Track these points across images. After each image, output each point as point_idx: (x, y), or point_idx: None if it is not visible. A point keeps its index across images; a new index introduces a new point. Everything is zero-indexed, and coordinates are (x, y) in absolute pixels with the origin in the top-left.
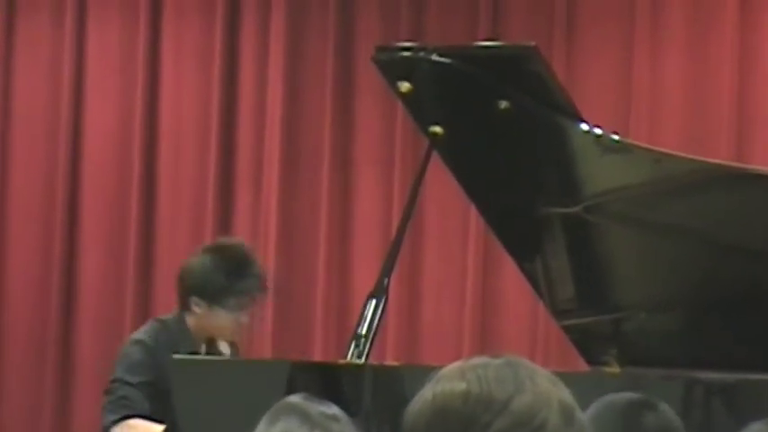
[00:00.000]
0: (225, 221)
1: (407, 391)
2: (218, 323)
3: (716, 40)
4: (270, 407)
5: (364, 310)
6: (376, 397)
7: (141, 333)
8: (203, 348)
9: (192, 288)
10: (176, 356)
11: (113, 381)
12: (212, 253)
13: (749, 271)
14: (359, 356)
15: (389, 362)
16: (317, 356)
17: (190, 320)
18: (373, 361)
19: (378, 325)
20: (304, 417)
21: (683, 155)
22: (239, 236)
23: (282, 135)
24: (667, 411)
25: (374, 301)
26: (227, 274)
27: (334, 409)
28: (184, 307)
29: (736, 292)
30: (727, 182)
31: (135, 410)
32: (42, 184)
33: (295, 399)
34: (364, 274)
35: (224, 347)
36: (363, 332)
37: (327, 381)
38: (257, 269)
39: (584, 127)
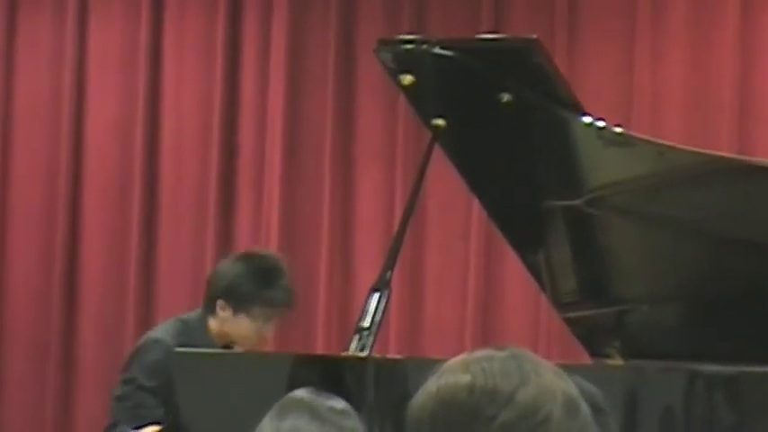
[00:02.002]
0: (227, 219)
1: (410, 384)
2: (241, 331)
3: (717, 36)
4: (272, 400)
5: (367, 304)
6: (379, 390)
7: (161, 332)
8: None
9: (220, 291)
10: (178, 349)
11: (128, 380)
12: (245, 259)
13: (752, 263)
14: (362, 349)
15: (392, 355)
16: (320, 350)
17: (212, 324)
18: (376, 354)
19: (381, 318)
20: (313, 413)
21: (685, 148)
22: (241, 231)
23: (284, 132)
24: (580, 382)
25: (377, 295)
26: (257, 282)
27: (342, 404)
28: (209, 309)
29: (739, 285)
30: (730, 175)
31: (147, 420)
32: (44, 182)
33: (302, 393)
34: (366, 269)
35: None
36: (366, 325)
37: (330, 374)
38: (288, 283)
39: (587, 120)
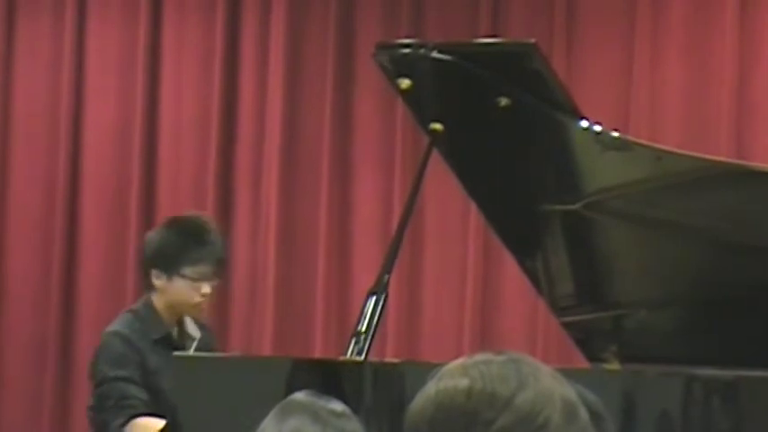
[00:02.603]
0: (225, 220)
1: (408, 388)
2: (179, 295)
3: (716, 38)
4: (270, 404)
5: (365, 307)
6: (376, 394)
7: (116, 325)
8: (175, 332)
9: (150, 259)
10: (177, 354)
11: (102, 381)
12: (168, 224)
13: (749, 268)
14: (359, 353)
15: (390, 359)
16: (318, 353)
17: (156, 300)
18: (373, 358)
19: (378, 322)
20: (314, 415)
21: (683, 152)
22: (239, 235)
23: (282, 134)
24: (581, 391)
25: (374, 298)
26: (183, 242)
27: (342, 407)
28: (148, 286)
29: (737, 290)
30: (728, 179)
31: (139, 409)
32: (42, 184)
33: (303, 397)
34: (364, 272)
35: (193, 330)
36: (363, 329)
37: (328, 377)
38: (213, 238)
39: (585, 124)
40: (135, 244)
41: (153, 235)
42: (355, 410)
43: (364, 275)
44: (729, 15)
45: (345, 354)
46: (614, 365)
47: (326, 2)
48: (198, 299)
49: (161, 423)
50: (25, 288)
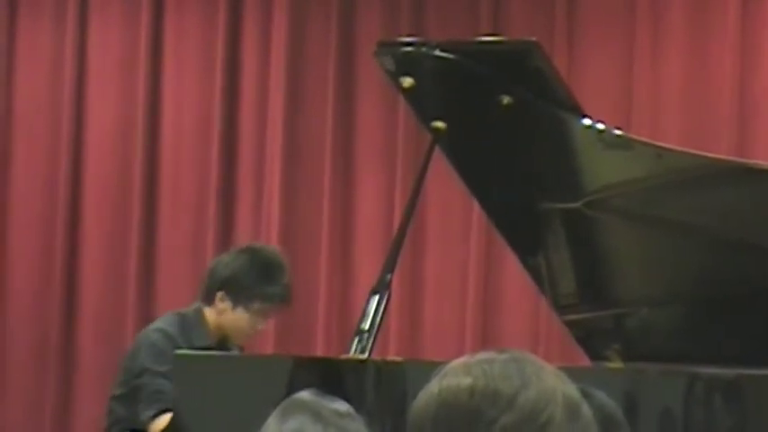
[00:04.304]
0: (227, 221)
1: (410, 387)
2: (237, 324)
3: (717, 36)
4: (272, 402)
5: (367, 306)
6: (379, 392)
7: (161, 322)
8: (216, 346)
9: (221, 282)
10: (178, 351)
11: (141, 372)
12: (248, 253)
13: (751, 266)
14: (362, 352)
15: (392, 357)
16: (320, 352)
17: (209, 315)
18: (376, 357)
19: (381, 320)
20: (316, 415)
21: (684, 150)
22: (242, 234)
23: (284, 133)
24: (604, 400)
25: (377, 297)
26: (259, 277)
27: (346, 407)
28: (207, 300)
29: (738, 288)
30: (729, 177)
31: (170, 404)
32: (44, 183)
33: (306, 396)
34: (366, 271)
35: (234, 350)
36: (366, 327)
37: (330, 376)
38: (287, 279)
39: (587, 122)
40: (137, 244)
41: (229, 258)
42: (357, 409)
43: (366, 274)
44: (730, 13)
45: (348, 352)
46: (616, 364)
47: (328, 1)
48: (251, 332)
49: None
50: (27, 288)
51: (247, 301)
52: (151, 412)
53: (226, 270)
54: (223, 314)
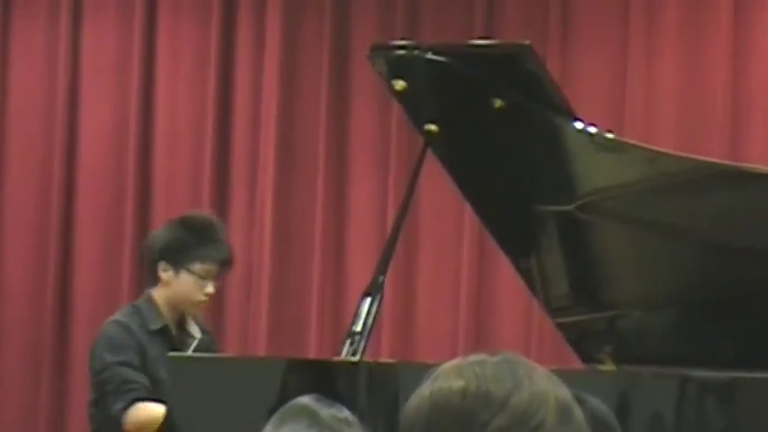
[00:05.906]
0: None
1: (402, 389)
2: (185, 290)
3: (710, 38)
4: (265, 404)
5: (359, 308)
6: (371, 394)
7: (115, 315)
8: (174, 327)
9: (159, 253)
10: (172, 354)
11: (103, 367)
12: (179, 221)
13: (743, 269)
14: (354, 354)
15: (384, 359)
16: (312, 354)
17: (158, 295)
18: (368, 359)
19: (373, 323)
20: (313, 419)
21: (677, 153)
22: (235, 235)
23: (278, 134)
24: (596, 404)
25: (369, 299)
26: (194, 238)
27: (345, 413)
28: (152, 280)
29: (731, 291)
30: (721, 180)
31: (140, 393)
32: (38, 184)
33: (305, 400)
34: (359, 272)
35: (195, 330)
36: (358, 330)
37: (322, 378)
38: (223, 237)
39: (579, 125)
40: (130, 246)
41: (161, 230)
42: (350, 411)
43: (359, 276)
44: (723, 15)
45: (340, 354)
46: (609, 366)
47: (321, 3)
48: (201, 297)
49: (162, 408)
50: (21, 290)
51: (188, 263)
52: (120, 404)
53: (160, 240)
54: (169, 285)
